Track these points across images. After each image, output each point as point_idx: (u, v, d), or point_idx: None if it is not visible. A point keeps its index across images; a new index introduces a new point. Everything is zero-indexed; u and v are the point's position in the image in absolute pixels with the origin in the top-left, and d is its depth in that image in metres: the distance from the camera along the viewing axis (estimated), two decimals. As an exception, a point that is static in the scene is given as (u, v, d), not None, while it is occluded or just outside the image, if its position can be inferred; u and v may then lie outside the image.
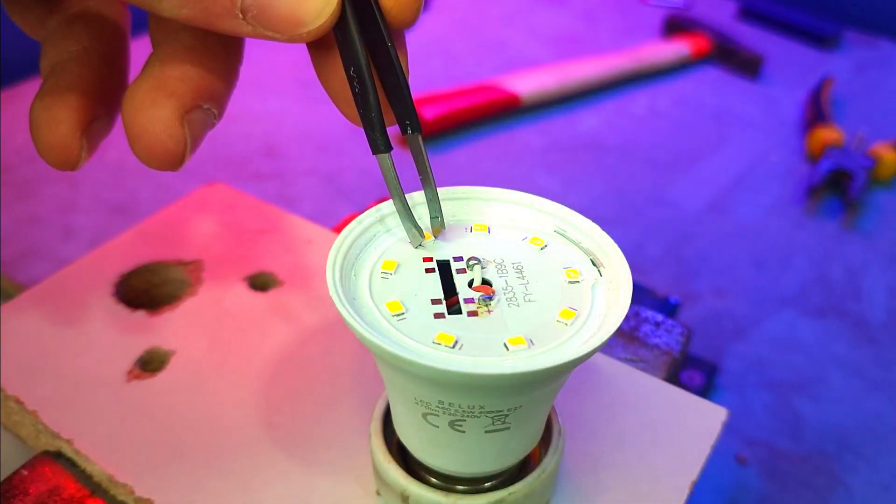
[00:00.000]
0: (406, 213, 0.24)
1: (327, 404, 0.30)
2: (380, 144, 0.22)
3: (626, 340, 0.35)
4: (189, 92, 0.22)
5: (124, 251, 0.36)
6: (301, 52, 0.24)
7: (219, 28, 0.21)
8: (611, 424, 0.30)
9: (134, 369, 0.31)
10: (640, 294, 0.45)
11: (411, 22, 0.22)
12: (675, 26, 0.88)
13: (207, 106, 0.22)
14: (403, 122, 0.23)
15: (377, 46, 0.22)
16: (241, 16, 0.20)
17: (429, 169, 0.24)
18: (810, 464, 0.44)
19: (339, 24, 0.21)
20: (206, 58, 0.22)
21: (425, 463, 0.25)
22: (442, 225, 0.24)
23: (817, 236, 0.61)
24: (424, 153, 0.23)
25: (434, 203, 0.24)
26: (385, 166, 0.23)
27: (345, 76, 0.22)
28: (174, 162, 0.22)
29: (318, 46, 0.23)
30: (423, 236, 0.24)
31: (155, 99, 0.21)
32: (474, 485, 0.25)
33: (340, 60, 0.22)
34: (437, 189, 0.24)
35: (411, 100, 0.23)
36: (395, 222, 0.25)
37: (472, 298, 0.22)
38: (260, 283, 0.36)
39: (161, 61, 0.22)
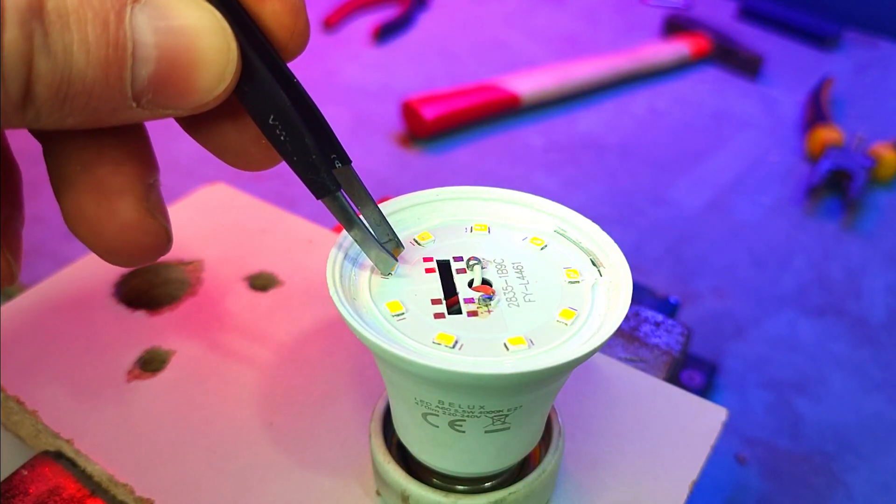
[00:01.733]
0: (370, 241, 0.22)
1: (327, 404, 0.30)
2: (329, 184, 0.21)
3: (626, 340, 0.35)
4: (130, 179, 0.20)
5: (124, 251, 0.36)
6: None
7: (112, 122, 0.18)
8: (611, 424, 0.30)
9: (134, 369, 0.31)
10: (640, 294, 0.45)
11: (302, 50, 0.20)
12: (675, 26, 0.88)
13: (152, 179, 0.21)
14: (329, 157, 0.21)
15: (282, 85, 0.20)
16: (134, 104, 0.17)
17: (368, 195, 0.22)
18: (810, 463, 0.44)
19: (243, 74, 0.19)
20: (115, 138, 0.20)
21: (425, 463, 0.25)
22: (399, 245, 0.23)
23: (817, 236, 0.62)
24: (360, 180, 0.22)
25: (382, 226, 0.23)
26: (339, 205, 0.21)
27: (248, 132, 0.20)
28: (163, 249, 0.21)
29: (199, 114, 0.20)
30: (395, 260, 0.23)
31: (108, 206, 0.20)
32: (474, 485, 0.25)
33: (229, 119, 0.20)
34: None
35: (332, 132, 0.21)
36: (394, 222, 0.25)
37: (472, 298, 0.22)
38: (260, 283, 0.36)
39: (78, 165, 0.20)
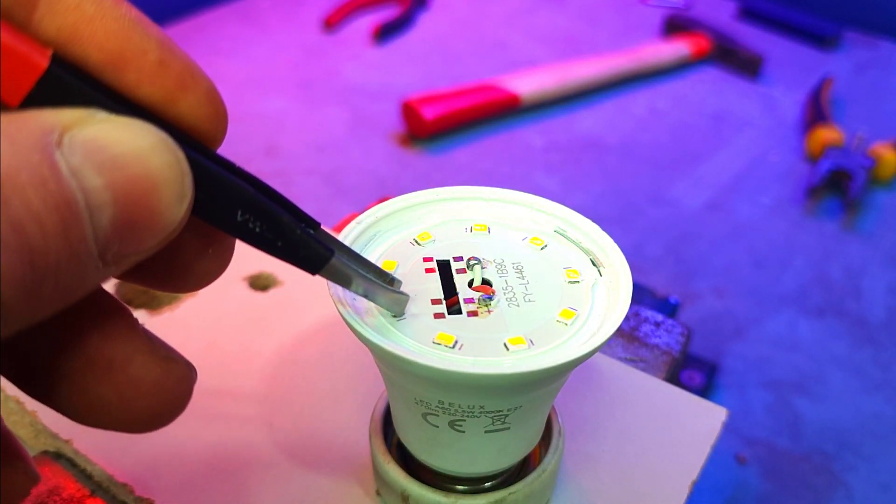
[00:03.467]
0: (376, 287, 0.21)
1: (327, 404, 0.30)
2: (322, 251, 0.18)
3: (626, 340, 0.35)
4: (125, 337, 0.18)
5: (124, 251, 0.36)
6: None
7: (78, 297, 0.14)
8: (611, 424, 0.30)
9: (134, 369, 0.31)
10: (640, 294, 0.45)
11: (225, 133, 0.18)
12: (675, 26, 0.88)
13: (139, 323, 0.18)
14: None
15: None
16: (101, 264, 0.14)
17: (349, 249, 0.21)
18: (810, 463, 0.44)
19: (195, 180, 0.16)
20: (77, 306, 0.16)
21: (425, 463, 0.25)
22: (396, 280, 0.22)
23: (817, 236, 0.61)
24: (335, 238, 0.20)
25: (373, 269, 0.21)
26: (340, 266, 0.19)
27: (191, 250, 0.18)
28: (194, 383, 0.19)
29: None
30: (406, 294, 0.22)
31: (125, 381, 0.17)
32: (474, 485, 0.25)
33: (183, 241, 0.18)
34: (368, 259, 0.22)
35: (287, 199, 0.19)
36: (394, 222, 0.25)
37: (472, 298, 0.22)
38: (260, 283, 0.36)
39: (60, 359, 0.17)
